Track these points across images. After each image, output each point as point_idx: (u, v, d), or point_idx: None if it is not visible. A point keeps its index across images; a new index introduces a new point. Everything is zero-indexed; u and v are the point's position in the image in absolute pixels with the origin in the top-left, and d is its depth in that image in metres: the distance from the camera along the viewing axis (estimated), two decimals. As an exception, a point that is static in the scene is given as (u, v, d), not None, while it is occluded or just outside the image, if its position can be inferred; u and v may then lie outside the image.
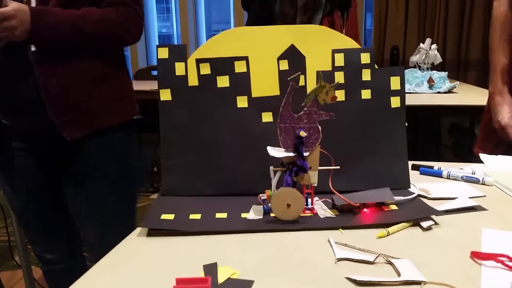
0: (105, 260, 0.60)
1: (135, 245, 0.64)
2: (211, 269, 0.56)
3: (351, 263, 0.58)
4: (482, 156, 1.05)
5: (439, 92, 2.30)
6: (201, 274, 0.55)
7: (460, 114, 2.67)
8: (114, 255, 0.62)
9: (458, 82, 2.45)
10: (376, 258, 0.58)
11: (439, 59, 2.41)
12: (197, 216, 0.73)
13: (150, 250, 0.63)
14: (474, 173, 0.93)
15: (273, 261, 0.59)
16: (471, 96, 2.23)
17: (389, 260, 0.58)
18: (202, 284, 0.45)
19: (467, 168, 0.98)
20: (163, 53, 0.83)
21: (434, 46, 2.39)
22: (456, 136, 3.23)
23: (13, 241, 1.62)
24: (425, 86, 2.33)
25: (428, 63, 2.41)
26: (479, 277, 0.54)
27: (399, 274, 0.54)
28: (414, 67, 2.44)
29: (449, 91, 2.31)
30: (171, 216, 0.72)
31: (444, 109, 2.04)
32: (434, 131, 3.34)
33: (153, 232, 0.68)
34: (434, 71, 2.37)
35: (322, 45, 0.84)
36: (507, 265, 0.56)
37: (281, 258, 0.60)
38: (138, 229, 0.69)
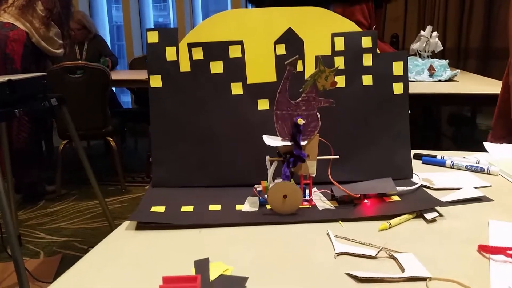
0: (90, 256, 0.56)
1: (123, 240, 0.61)
2: (202, 265, 0.53)
3: (352, 258, 0.55)
4: (486, 144, 1.02)
5: (439, 80, 2.26)
6: (192, 270, 0.52)
7: (461, 102, 2.64)
8: (100, 250, 0.58)
9: (459, 70, 2.41)
10: (378, 252, 0.55)
11: (440, 47, 2.36)
12: (189, 209, 0.69)
13: (139, 244, 0.59)
14: (478, 162, 0.90)
15: (269, 256, 0.55)
16: (473, 84, 2.19)
17: (392, 255, 0.55)
18: (191, 283, 0.41)
19: (471, 157, 0.95)
20: (153, 37, 0.78)
21: (435, 33, 2.35)
22: (456, 125, 3.20)
23: (5, 232, 1.58)
24: (426, 74, 2.29)
25: (428, 51, 2.36)
26: (488, 272, 0.51)
27: (403, 270, 0.51)
28: (415, 55, 2.40)
29: (450, 79, 2.27)
30: (161, 209, 0.69)
31: (445, 98, 1.99)
32: (434, 120, 3.31)
33: (142, 226, 0.64)
34: (435, 59, 2.33)
35: (321, 29, 0.80)
36: (517, 260, 0.53)
37: (277, 252, 0.56)
38: (126, 223, 0.65)
